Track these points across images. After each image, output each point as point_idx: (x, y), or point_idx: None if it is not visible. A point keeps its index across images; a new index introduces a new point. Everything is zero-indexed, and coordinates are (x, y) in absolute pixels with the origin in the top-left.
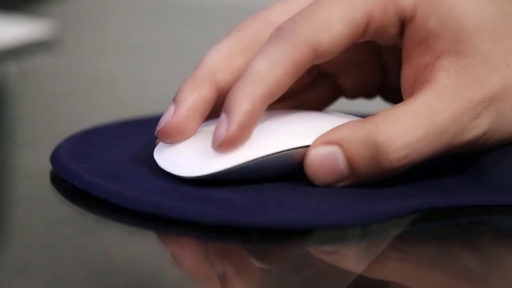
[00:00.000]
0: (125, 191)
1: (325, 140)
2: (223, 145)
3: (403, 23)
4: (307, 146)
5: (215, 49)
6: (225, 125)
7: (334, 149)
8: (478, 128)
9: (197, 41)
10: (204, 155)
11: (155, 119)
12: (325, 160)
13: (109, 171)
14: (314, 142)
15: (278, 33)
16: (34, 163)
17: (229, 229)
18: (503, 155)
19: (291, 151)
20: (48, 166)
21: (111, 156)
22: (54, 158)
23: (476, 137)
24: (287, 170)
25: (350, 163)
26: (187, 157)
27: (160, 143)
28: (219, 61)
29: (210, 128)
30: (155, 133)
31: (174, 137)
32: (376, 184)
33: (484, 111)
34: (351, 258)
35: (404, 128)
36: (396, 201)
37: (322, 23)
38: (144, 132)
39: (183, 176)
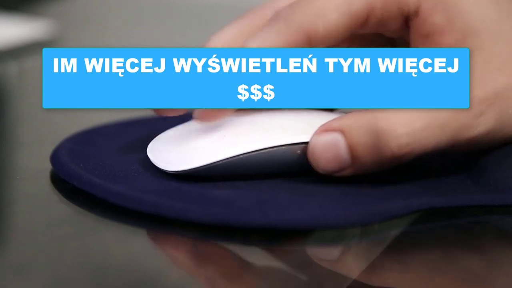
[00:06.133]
0: (125, 191)
1: (327, 127)
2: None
3: (407, 16)
4: (293, 144)
5: (221, 32)
6: None
7: (336, 136)
8: (482, 125)
9: (198, 41)
10: (191, 151)
11: (155, 119)
12: (327, 147)
13: (109, 171)
14: (317, 129)
15: (276, 17)
16: (34, 163)
17: (229, 229)
18: (504, 155)
19: (276, 148)
20: (48, 166)
21: (111, 156)
22: (54, 158)
23: (482, 134)
24: (273, 168)
25: (352, 151)
26: (175, 153)
27: (154, 139)
28: (223, 43)
29: (199, 125)
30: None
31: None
32: (377, 184)
33: (488, 109)
34: (351, 258)
35: (404, 118)
36: (396, 201)
37: (317, 11)
38: (144, 132)
39: (169, 171)
